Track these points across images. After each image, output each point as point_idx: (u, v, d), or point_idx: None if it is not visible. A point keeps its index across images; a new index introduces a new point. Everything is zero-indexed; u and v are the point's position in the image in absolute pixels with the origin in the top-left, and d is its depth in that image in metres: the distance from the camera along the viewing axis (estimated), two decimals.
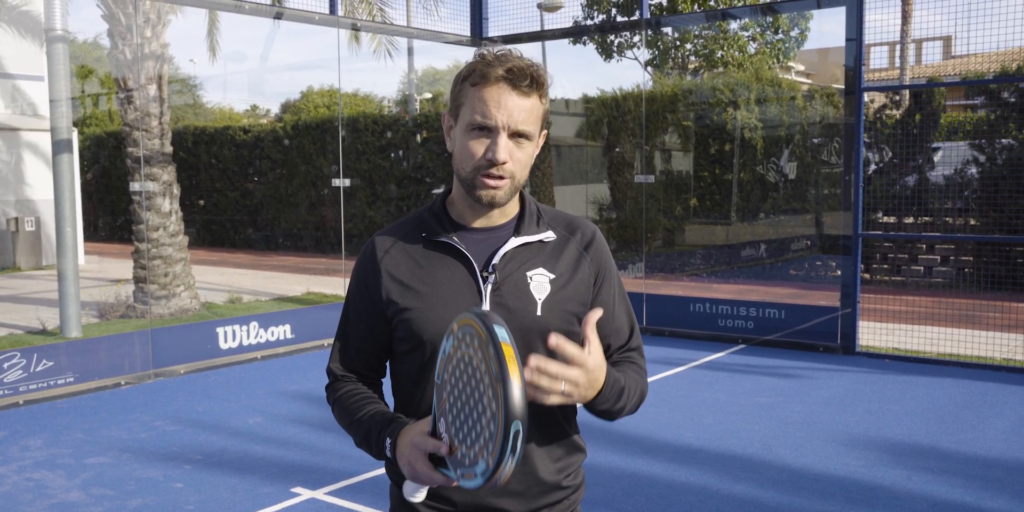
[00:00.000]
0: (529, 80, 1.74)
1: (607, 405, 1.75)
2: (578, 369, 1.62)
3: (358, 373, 1.96)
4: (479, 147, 1.76)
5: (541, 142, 1.88)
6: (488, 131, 1.75)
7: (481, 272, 1.83)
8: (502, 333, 1.43)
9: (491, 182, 1.77)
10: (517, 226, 1.88)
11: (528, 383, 1.54)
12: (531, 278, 1.84)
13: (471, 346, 1.48)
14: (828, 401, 6.74)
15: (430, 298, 1.82)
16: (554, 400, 1.60)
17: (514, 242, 1.85)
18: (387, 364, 1.99)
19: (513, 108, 1.74)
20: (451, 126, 1.85)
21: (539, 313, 1.82)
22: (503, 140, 1.75)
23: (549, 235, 1.89)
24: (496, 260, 1.83)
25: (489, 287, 1.81)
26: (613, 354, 1.97)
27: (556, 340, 1.60)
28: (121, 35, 10.27)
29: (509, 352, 1.41)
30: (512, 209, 1.90)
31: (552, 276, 1.86)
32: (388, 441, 1.72)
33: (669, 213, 16.23)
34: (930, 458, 5.39)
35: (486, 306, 1.80)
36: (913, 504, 4.66)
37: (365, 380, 1.97)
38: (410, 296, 1.83)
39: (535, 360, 1.57)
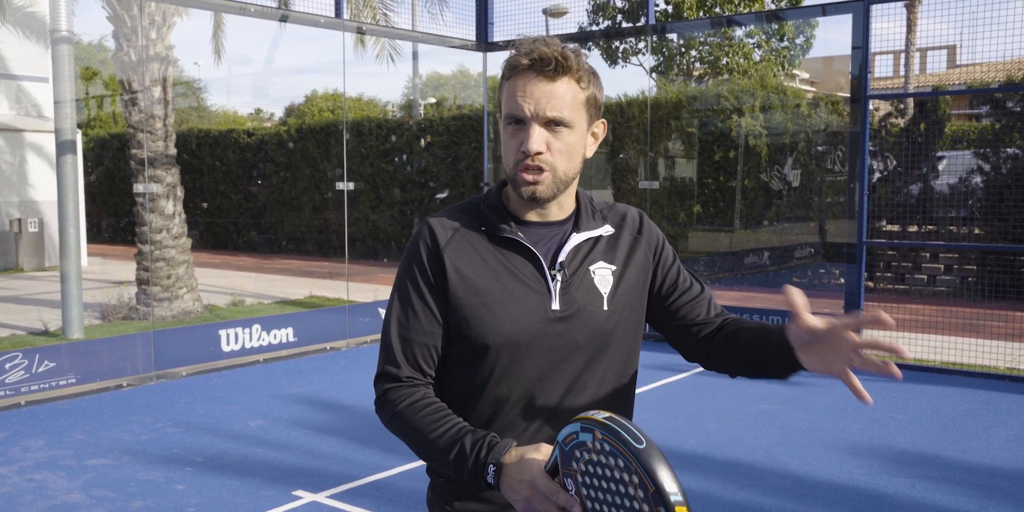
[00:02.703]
0: (553, 64, 1.67)
1: None
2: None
3: (422, 373, 1.78)
4: (515, 141, 1.71)
5: (601, 133, 1.82)
6: (521, 123, 1.70)
7: (549, 270, 1.77)
8: (675, 491, 1.29)
9: (529, 177, 1.70)
10: (577, 221, 1.82)
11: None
12: (594, 273, 1.80)
13: (627, 474, 1.33)
14: (831, 409, 6.72)
15: (499, 297, 1.74)
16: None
17: (577, 238, 1.80)
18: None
19: (540, 95, 1.67)
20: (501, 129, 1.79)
21: (605, 308, 1.78)
22: (535, 130, 1.68)
23: (607, 229, 1.85)
24: (563, 257, 1.78)
25: (558, 285, 1.76)
26: (708, 321, 1.90)
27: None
28: (126, 37, 10.28)
29: None
30: (570, 204, 1.84)
31: (613, 267, 1.82)
32: (492, 468, 1.56)
33: (673, 220, 16.22)
34: (934, 467, 5.37)
35: (555, 305, 1.75)
36: None
37: (429, 382, 1.80)
38: (475, 294, 1.74)
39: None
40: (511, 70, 1.71)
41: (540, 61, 1.67)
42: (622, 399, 1.87)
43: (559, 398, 1.77)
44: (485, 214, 1.80)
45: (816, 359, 1.57)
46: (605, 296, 1.79)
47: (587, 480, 1.39)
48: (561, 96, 1.69)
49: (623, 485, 1.33)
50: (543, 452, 1.53)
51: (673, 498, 1.27)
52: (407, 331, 1.77)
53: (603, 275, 1.80)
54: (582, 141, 1.76)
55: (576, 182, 1.81)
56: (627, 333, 1.84)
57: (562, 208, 1.82)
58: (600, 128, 1.81)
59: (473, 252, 1.77)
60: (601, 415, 1.38)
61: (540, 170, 1.70)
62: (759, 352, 1.73)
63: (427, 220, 1.82)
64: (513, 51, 1.72)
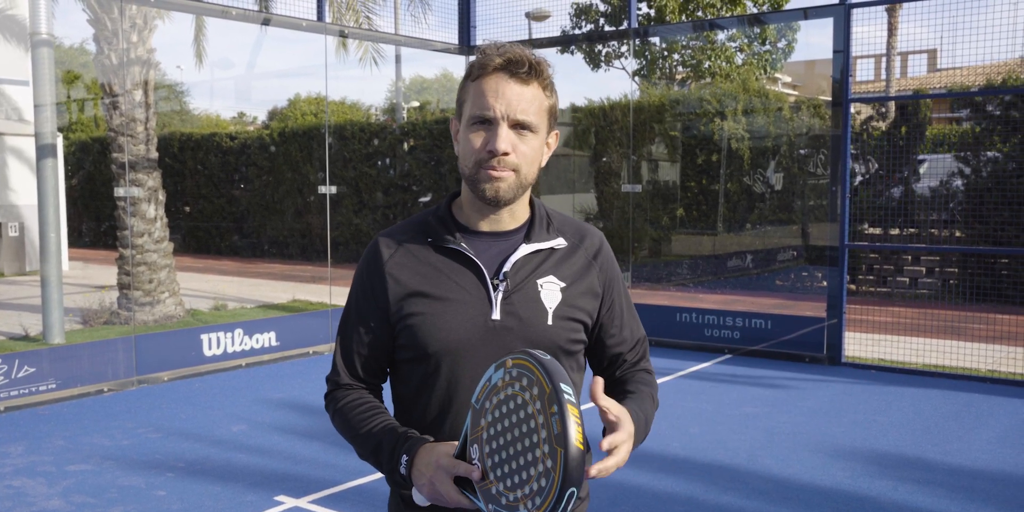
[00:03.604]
0: (527, 67, 1.68)
1: (639, 443, 1.70)
2: (625, 436, 1.55)
3: (361, 380, 1.87)
4: (479, 140, 1.70)
5: (554, 143, 1.82)
6: (488, 123, 1.70)
7: (492, 280, 1.76)
8: (569, 392, 1.38)
9: (494, 173, 1.70)
10: (528, 232, 1.81)
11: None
12: (541, 286, 1.78)
13: (528, 391, 1.42)
14: (814, 412, 6.74)
15: (438, 306, 1.75)
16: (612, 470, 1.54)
17: (525, 249, 1.79)
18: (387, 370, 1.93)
19: (512, 97, 1.68)
20: (458, 129, 1.78)
21: (549, 323, 1.77)
22: (503, 130, 1.68)
23: (560, 242, 1.84)
24: (507, 267, 1.77)
25: (500, 295, 1.75)
26: (623, 364, 1.95)
27: (610, 416, 1.53)
28: (107, 40, 10.22)
29: (575, 414, 1.36)
30: (523, 213, 1.83)
31: (563, 284, 1.80)
32: (404, 458, 1.64)
33: (656, 223, 16.25)
34: (916, 469, 5.39)
35: (495, 314, 1.74)
36: None
37: (368, 388, 1.88)
38: (416, 303, 1.76)
39: (608, 442, 1.51)
40: (481, 69, 1.71)
41: (515, 63, 1.69)
42: None
43: None
44: (432, 225, 1.82)
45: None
46: (550, 311, 1.78)
47: (493, 430, 1.47)
48: (530, 100, 1.71)
49: (524, 409, 1.42)
50: (452, 444, 1.60)
51: (566, 396, 1.37)
52: (348, 342, 1.85)
53: (551, 290, 1.79)
54: (542, 148, 1.78)
55: (530, 190, 1.82)
56: (573, 349, 1.84)
57: (514, 216, 1.82)
58: (553, 139, 1.82)
59: (416, 263, 1.79)
60: None
61: (505, 171, 1.71)
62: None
63: (376, 236, 1.86)
64: (480, 54, 1.73)
